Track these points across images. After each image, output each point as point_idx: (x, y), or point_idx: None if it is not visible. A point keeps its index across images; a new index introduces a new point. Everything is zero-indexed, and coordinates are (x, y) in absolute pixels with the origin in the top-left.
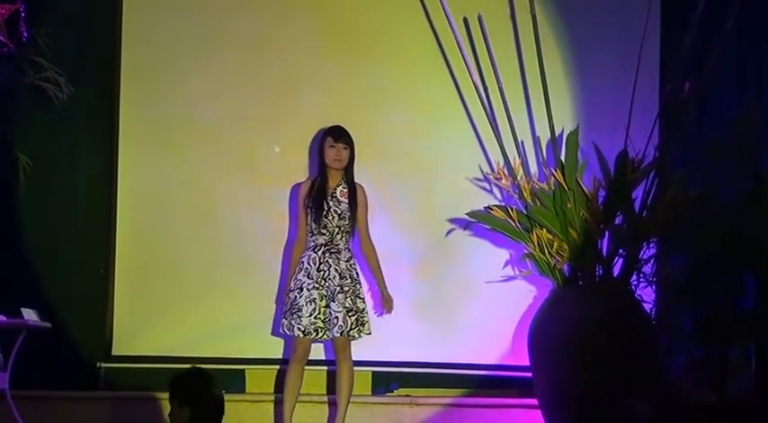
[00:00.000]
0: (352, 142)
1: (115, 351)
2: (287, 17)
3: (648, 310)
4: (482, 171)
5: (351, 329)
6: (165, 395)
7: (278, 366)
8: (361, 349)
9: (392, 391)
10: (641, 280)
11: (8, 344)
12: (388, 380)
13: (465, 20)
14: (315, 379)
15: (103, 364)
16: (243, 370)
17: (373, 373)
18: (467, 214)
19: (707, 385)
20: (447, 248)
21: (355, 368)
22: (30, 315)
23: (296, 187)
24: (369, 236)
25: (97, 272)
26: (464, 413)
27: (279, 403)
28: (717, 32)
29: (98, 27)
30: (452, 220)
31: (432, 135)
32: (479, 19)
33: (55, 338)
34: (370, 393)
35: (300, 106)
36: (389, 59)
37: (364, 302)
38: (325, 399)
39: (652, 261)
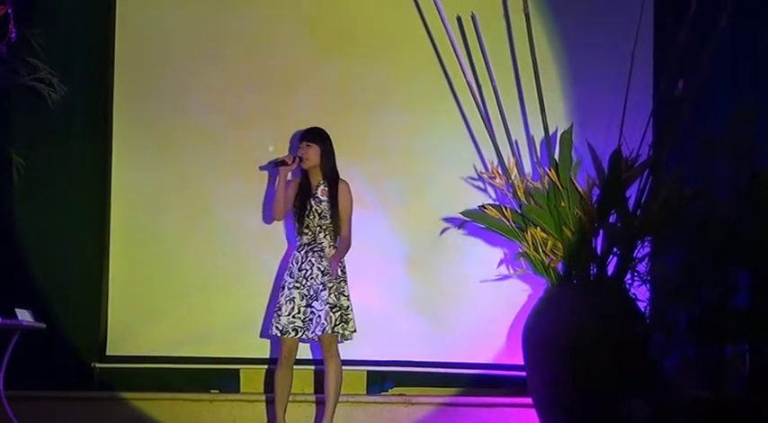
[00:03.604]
0: (323, 140)
1: (109, 351)
2: (282, 17)
3: (643, 309)
4: (476, 170)
5: (335, 326)
6: (160, 395)
7: (273, 366)
8: (355, 348)
9: (387, 391)
10: (636, 278)
11: (2, 344)
12: (383, 379)
13: (459, 19)
14: (302, 378)
15: (98, 365)
16: (237, 370)
17: (368, 372)
18: (461, 213)
19: (702, 384)
20: (441, 247)
21: (350, 367)
22: (24, 316)
23: None
24: (348, 234)
25: (92, 272)
26: (459, 412)
27: (272, 403)
28: (710, 30)
29: (91, 27)
30: (447, 219)
31: (426, 134)
32: (473, 18)
33: (49, 339)
34: (365, 393)
35: (295, 105)
36: (384, 59)
37: (349, 300)
38: (314, 398)
39: (646, 260)
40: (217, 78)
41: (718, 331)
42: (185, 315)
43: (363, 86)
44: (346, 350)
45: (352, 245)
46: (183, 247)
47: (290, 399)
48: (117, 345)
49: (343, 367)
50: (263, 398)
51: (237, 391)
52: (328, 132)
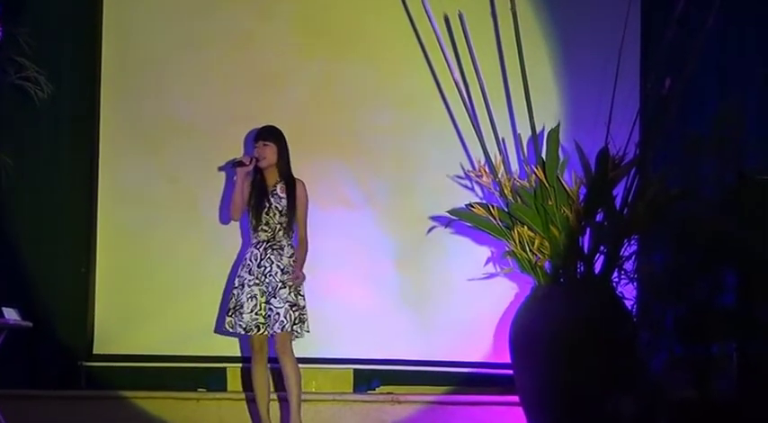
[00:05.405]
0: (278, 139)
1: (96, 350)
2: (269, 15)
3: (630, 307)
4: (463, 169)
5: (293, 325)
6: (147, 394)
7: None
8: (342, 347)
9: (374, 389)
10: (622, 277)
11: None
12: (370, 378)
13: (446, 18)
14: None
15: (85, 363)
16: (224, 368)
17: (355, 370)
18: (448, 212)
19: (688, 382)
20: (429, 246)
21: (337, 366)
22: (11, 314)
23: None
24: (305, 234)
25: (79, 271)
26: (446, 410)
27: (254, 402)
28: (698, 28)
29: (78, 25)
30: (434, 218)
31: (413, 133)
32: (460, 17)
33: (36, 337)
34: (351, 391)
35: (283, 104)
36: (371, 57)
37: (305, 300)
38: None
39: (633, 258)
40: (204, 77)
41: (705, 330)
42: (172, 314)
43: (350, 85)
44: (333, 348)
45: (337, 244)
46: (170, 246)
47: (270, 397)
48: (104, 343)
49: (331, 366)
50: (251, 396)
51: (224, 389)
52: (316, 129)
